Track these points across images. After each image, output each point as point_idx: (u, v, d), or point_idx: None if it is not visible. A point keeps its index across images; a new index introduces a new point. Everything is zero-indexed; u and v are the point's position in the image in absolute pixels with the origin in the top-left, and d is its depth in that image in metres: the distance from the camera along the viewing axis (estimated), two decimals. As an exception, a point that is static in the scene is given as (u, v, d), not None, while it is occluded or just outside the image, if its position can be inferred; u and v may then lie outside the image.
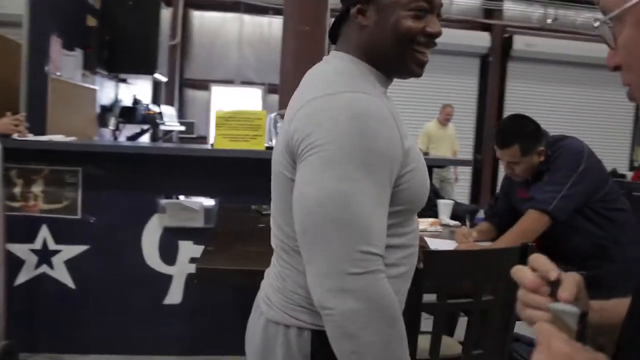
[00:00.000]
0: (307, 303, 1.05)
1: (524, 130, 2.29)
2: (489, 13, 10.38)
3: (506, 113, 10.62)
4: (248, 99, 9.44)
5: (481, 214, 3.43)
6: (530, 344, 1.87)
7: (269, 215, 2.88)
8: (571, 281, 0.69)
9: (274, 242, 1.17)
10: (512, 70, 10.38)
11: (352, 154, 0.95)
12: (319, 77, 1.09)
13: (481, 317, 1.67)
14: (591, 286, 2.20)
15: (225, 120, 2.89)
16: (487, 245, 2.36)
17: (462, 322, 2.29)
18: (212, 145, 3.06)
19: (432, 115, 8.02)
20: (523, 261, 1.75)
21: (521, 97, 10.42)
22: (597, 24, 0.65)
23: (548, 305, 0.67)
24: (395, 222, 1.06)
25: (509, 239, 2.16)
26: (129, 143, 4.64)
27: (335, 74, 1.08)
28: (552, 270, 0.70)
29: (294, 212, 1.01)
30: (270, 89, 9.40)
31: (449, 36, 9.81)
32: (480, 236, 2.49)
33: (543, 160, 2.28)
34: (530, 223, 2.19)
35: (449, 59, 9.84)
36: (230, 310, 3.20)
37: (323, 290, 0.95)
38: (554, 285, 0.69)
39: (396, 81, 1.19)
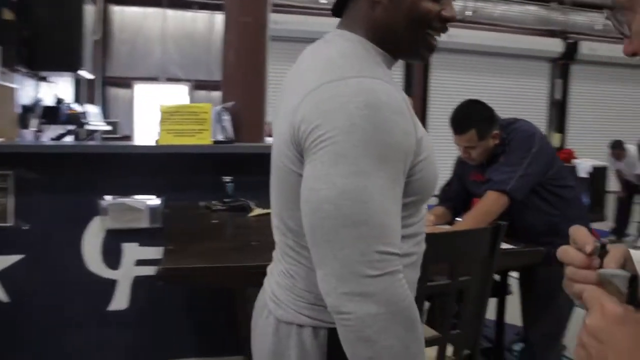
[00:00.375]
0: (321, 301, 0.96)
1: (479, 115, 2.33)
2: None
3: (431, 102, 10.97)
4: (174, 96, 9.16)
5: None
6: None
7: (219, 210, 2.81)
8: (619, 251, 0.69)
9: (277, 238, 1.10)
10: (436, 62, 10.67)
11: (366, 147, 0.88)
12: (324, 60, 0.99)
13: (457, 298, 1.68)
14: (546, 261, 2.28)
15: (170, 114, 2.77)
16: (446, 228, 2.38)
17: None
18: (156, 141, 2.92)
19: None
20: (495, 241, 1.79)
21: (444, 86, 10.76)
22: (607, 14, 0.66)
23: (598, 271, 0.67)
24: (407, 213, 1.00)
25: (471, 221, 2.19)
26: (65, 143, 4.38)
27: (342, 56, 0.98)
28: (589, 244, 0.69)
29: (302, 209, 0.93)
30: (197, 85, 9.18)
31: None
32: (436, 220, 2.51)
33: (498, 143, 2.33)
34: (491, 204, 2.22)
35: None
36: (181, 312, 3.08)
37: (338, 294, 0.88)
38: (602, 256, 0.69)
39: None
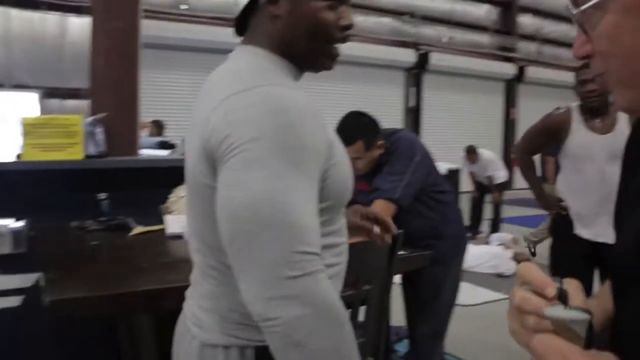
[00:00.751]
0: (247, 319, 0.95)
1: (365, 127, 2.39)
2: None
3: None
4: (22, 105, 8.39)
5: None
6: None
7: (95, 231, 2.61)
8: (576, 288, 0.63)
9: (197, 258, 1.05)
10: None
11: (277, 151, 0.89)
12: (231, 73, 1.01)
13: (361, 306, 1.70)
14: (430, 263, 2.38)
15: (34, 127, 2.53)
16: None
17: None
18: (18, 156, 2.64)
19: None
20: (394, 250, 1.84)
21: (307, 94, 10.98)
22: (575, 11, 0.66)
23: (550, 314, 0.59)
24: (325, 219, 1.01)
25: None
26: None
27: (248, 68, 1.00)
28: (550, 287, 0.60)
29: (219, 220, 0.92)
30: (48, 93, 8.48)
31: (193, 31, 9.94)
32: None
33: (382, 152, 2.41)
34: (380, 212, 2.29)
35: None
36: (49, 346, 2.81)
37: (262, 300, 0.87)
38: (561, 297, 0.60)
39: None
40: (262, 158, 0.88)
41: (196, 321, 1.04)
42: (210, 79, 1.03)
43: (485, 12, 14.76)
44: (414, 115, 13.39)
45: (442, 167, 8.42)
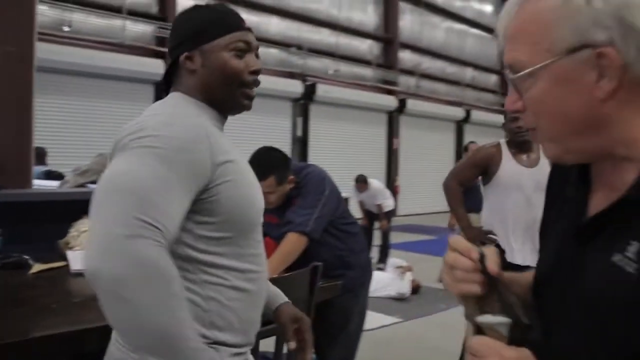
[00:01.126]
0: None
1: (277, 162, 2.45)
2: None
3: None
4: None
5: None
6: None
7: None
8: (494, 254, 0.81)
9: None
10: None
11: (151, 147, 1.04)
12: (153, 108, 1.19)
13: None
14: (341, 292, 2.47)
15: None
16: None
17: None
18: None
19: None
20: (314, 281, 1.89)
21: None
22: (511, 76, 0.78)
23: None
24: (223, 236, 1.14)
25: (276, 263, 2.28)
26: None
27: (171, 105, 1.19)
28: (474, 251, 0.80)
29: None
30: None
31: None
32: None
33: (292, 187, 2.48)
34: (292, 245, 2.35)
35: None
36: None
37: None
38: (482, 261, 0.79)
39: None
40: (137, 151, 1.04)
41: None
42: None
43: (368, 47, 15.52)
44: (301, 144, 13.65)
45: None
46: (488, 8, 19.55)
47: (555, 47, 0.72)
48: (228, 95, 1.23)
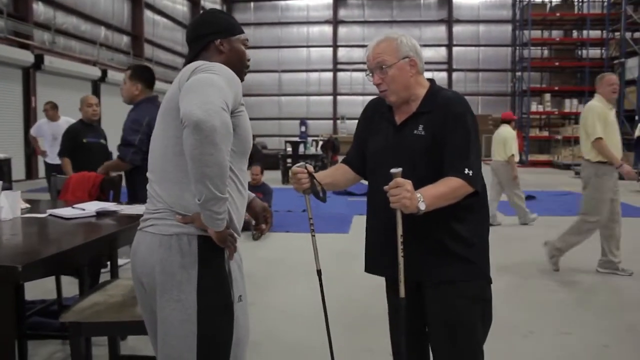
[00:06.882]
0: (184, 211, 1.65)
1: None
2: None
3: None
4: None
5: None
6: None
7: None
8: (309, 166, 2.00)
9: (149, 190, 1.75)
10: None
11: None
12: (203, 61, 1.73)
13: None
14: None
15: None
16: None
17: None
18: None
19: None
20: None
21: None
22: (379, 70, 1.90)
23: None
24: (236, 150, 1.71)
25: None
26: None
27: (214, 62, 1.75)
28: (302, 166, 1.98)
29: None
30: None
31: None
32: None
33: None
34: None
35: None
36: None
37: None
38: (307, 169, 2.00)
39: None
40: (211, 70, 1.63)
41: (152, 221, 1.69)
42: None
43: (-4, -6, 13.88)
44: None
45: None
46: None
47: (398, 56, 1.86)
48: (239, 71, 1.78)
